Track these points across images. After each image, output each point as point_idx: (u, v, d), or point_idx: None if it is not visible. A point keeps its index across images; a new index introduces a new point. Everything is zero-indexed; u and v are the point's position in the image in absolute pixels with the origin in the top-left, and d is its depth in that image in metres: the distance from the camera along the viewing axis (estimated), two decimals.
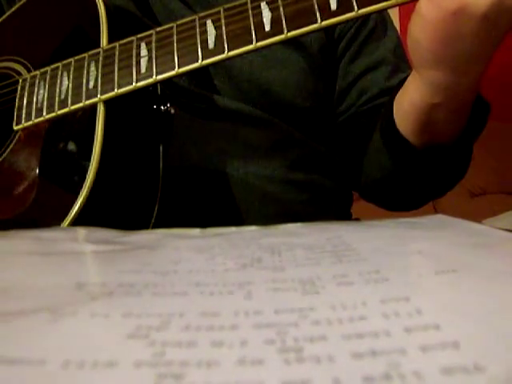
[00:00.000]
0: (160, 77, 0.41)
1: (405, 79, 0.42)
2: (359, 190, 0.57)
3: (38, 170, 0.42)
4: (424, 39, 0.35)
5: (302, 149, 0.54)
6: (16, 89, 0.48)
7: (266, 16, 0.38)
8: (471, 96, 0.39)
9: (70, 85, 0.44)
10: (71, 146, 0.43)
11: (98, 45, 0.44)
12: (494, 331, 0.12)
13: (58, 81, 0.45)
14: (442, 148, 0.42)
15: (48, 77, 0.46)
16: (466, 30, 0.32)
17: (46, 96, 0.45)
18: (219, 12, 0.40)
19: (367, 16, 0.56)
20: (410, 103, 0.40)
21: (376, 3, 0.35)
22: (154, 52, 0.41)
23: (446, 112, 0.38)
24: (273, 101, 0.52)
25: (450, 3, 0.32)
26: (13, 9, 0.53)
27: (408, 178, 0.47)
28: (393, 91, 0.45)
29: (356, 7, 0.36)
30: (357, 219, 0.59)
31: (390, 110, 0.43)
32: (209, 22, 0.40)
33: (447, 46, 0.34)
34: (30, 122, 0.45)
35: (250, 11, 0.39)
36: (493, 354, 0.11)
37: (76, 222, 0.38)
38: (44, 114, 0.44)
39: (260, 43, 0.38)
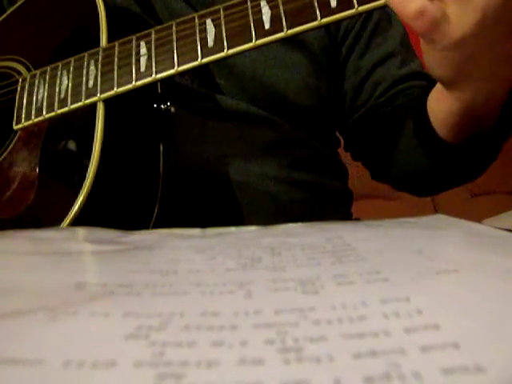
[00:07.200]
0: (159, 75, 0.41)
1: (427, 87, 0.42)
2: (390, 181, 0.57)
3: (38, 170, 0.42)
4: (436, 67, 0.35)
5: (304, 148, 0.54)
6: (16, 88, 0.48)
7: (266, 14, 0.38)
8: (508, 86, 0.37)
9: (70, 84, 0.44)
10: (71, 146, 0.43)
11: (97, 44, 0.44)
12: (495, 331, 0.12)
13: (58, 80, 0.45)
14: (483, 135, 0.41)
15: (48, 76, 0.45)
16: (475, 50, 0.32)
17: (46, 95, 0.45)
18: (219, 10, 0.40)
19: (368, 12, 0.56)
20: (446, 114, 0.40)
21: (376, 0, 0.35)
22: (153, 51, 0.41)
23: (486, 110, 0.38)
24: (275, 100, 0.52)
25: (447, 40, 0.32)
26: (13, 8, 0.53)
27: (446, 171, 0.47)
28: (418, 98, 0.45)
29: (356, 4, 0.35)
30: (357, 219, 0.59)
31: (422, 115, 0.43)
32: (208, 21, 0.40)
33: (459, 70, 0.34)
34: (30, 122, 0.45)
35: (250, 9, 0.38)
36: (493, 354, 0.11)
37: (76, 222, 0.38)
38: (44, 113, 0.44)
39: (259, 41, 0.38)
